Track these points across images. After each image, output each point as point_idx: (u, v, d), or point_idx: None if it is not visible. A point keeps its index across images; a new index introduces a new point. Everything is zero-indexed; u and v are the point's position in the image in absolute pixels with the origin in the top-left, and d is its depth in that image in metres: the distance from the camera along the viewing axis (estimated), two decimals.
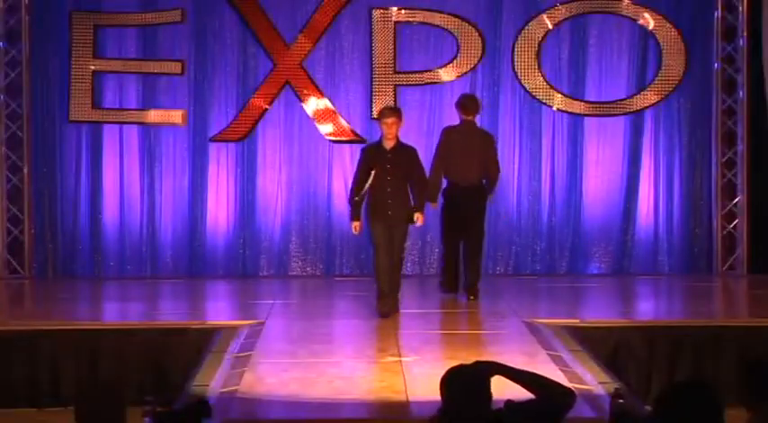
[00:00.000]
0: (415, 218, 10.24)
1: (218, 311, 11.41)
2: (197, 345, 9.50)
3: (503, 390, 4.61)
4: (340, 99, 13.25)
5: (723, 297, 12.76)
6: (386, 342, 9.23)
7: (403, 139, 10.33)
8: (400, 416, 7.16)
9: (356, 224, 10.31)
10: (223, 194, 13.28)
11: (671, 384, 4.03)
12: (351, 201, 10.42)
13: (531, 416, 4.46)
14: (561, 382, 7.62)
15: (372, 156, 10.30)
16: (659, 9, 13.20)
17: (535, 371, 4.84)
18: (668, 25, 13.17)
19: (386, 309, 10.24)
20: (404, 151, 10.30)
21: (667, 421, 3.85)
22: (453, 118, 12.38)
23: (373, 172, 10.17)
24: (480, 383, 4.40)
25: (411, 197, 10.32)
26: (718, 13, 13.20)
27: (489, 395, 4.40)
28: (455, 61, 13.18)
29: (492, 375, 4.47)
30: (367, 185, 10.18)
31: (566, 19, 13.23)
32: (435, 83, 13.21)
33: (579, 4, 13.22)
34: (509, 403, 4.43)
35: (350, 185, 10.65)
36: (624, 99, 13.26)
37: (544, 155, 13.32)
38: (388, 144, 10.25)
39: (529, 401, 4.47)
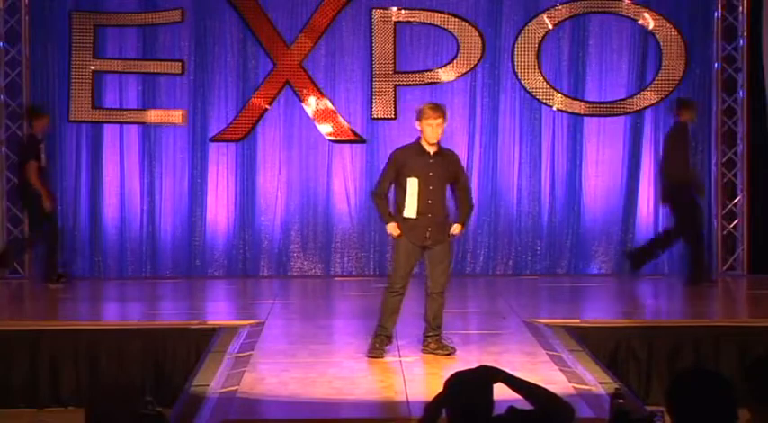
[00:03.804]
0: (453, 228, 8.63)
1: (218, 311, 11.40)
2: (197, 345, 9.51)
3: (506, 395, 4.60)
4: (340, 99, 13.25)
5: (723, 297, 12.75)
6: None
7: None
8: (400, 416, 7.16)
9: (394, 224, 8.55)
10: (223, 194, 13.28)
11: (683, 373, 4.00)
12: (379, 206, 8.70)
13: None
14: (561, 382, 7.67)
15: (410, 161, 8.53)
16: (659, 9, 13.21)
17: (537, 372, 4.83)
18: (668, 25, 13.18)
19: (379, 353, 8.67)
20: (447, 156, 8.65)
21: (683, 411, 3.84)
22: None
23: (411, 180, 8.48)
24: (483, 388, 4.40)
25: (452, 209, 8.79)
26: (718, 13, 13.20)
27: (491, 400, 4.40)
28: (455, 61, 13.19)
29: (495, 381, 4.46)
30: (410, 198, 8.51)
31: (566, 19, 13.23)
32: (435, 83, 13.21)
33: (579, 4, 13.23)
34: (512, 409, 4.43)
35: (373, 189, 8.87)
36: (624, 99, 13.27)
37: (544, 155, 13.33)
38: (431, 148, 8.53)
39: (531, 411, 4.47)
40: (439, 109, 8.55)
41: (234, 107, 13.23)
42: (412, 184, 8.48)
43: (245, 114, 13.17)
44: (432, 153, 8.53)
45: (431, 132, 8.47)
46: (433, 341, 8.76)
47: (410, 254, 8.64)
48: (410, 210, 8.51)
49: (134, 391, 4.40)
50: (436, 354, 8.72)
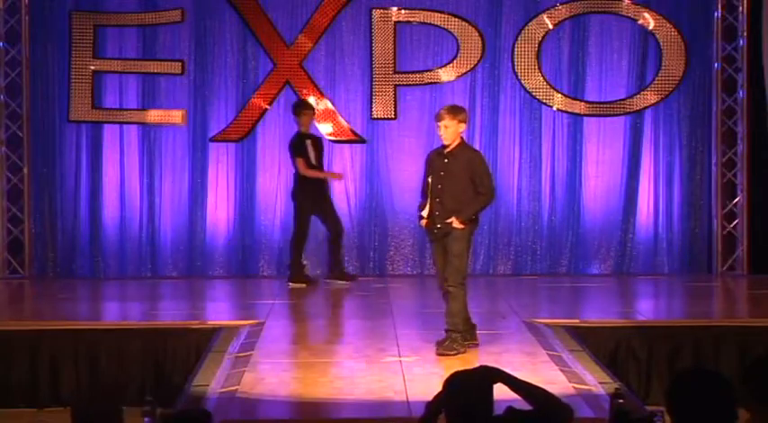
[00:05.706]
0: (451, 219, 8.69)
1: (218, 311, 11.40)
2: (197, 345, 9.51)
3: (505, 395, 4.61)
4: (340, 99, 13.25)
5: (723, 297, 12.76)
6: (386, 342, 9.23)
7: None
8: (400, 416, 7.16)
9: (422, 220, 8.93)
10: (223, 194, 13.28)
11: (683, 373, 4.01)
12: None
13: None
14: (561, 382, 7.67)
15: (432, 161, 8.89)
16: (659, 9, 13.21)
17: (537, 372, 4.82)
18: (668, 25, 13.18)
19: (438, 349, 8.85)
20: (461, 157, 8.76)
21: (683, 411, 3.84)
22: None
23: (428, 179, 8.84)
24: (483, 389, 4.40)
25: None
26: (718, 13, 13.20)
27: (491, 401, 4.40)
28: (455, 61, 13.18)
29: (495, 382, 4.47)
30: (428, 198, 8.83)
31: (566, 19, 13.23)
32: (435, 83, 13.21)
33: (579, 4, 13.23)
34: (510, 409, 4.44)
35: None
36: (624, 99, 13.27)
37: (544, 155, 13.32)
38: (447, 149, 8.78)
39: (529, 411, 4.48)
40: (440, 111, 8.83)
41: (234, 107, 13.23)
42: (429, 183, 8.82)
43: (245, 114, 13.17)
44: (446, 153, 8.78)
45: (440, 134, 8.79)
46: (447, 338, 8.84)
47: (434, 250, 9.08)
48: (425, 208, 8.86)
49: (119, 390, 4.40)
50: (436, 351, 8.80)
